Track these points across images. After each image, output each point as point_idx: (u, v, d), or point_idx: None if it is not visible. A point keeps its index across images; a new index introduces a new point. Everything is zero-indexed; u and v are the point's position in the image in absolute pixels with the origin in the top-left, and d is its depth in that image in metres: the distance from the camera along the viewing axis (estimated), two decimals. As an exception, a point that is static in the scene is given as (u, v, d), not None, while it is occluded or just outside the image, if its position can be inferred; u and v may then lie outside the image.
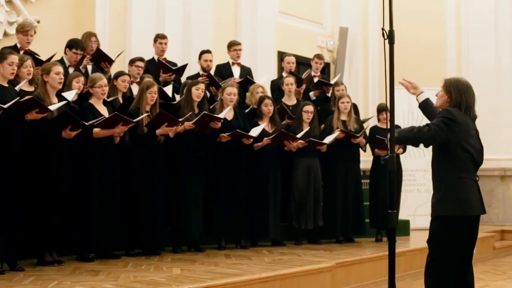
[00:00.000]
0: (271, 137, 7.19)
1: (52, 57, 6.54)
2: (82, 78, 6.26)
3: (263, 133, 7.17)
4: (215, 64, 8.24)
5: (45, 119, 5.37)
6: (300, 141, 7.33)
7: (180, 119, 6.38)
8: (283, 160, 7.51)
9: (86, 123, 5.64)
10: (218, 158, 7.02)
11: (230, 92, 7.12)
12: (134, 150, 6.33)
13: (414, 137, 4.25)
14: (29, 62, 5.74)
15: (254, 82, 7.98)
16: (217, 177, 7.01)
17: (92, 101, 6.06)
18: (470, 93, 4.24)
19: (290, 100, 8.11)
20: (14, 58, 5.36)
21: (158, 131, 6.29)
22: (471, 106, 4.24)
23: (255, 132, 7.06)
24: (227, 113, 7.02)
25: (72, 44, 6.83)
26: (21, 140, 5.36)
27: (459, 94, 4.21)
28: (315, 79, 8.56)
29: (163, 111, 6.32)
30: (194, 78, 7.56)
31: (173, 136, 6.49)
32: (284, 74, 8.72)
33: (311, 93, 8.48)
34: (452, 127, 4.11)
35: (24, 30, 6.52)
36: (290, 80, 8.05)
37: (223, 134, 6.90)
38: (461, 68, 11.40)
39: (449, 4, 11.69)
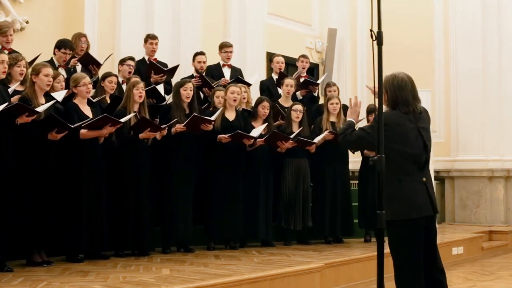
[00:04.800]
0: (264, 138, 7.20)
1: (37, 57, 6.51)
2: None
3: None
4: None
5: (32, 121, 5.34)
6: (289, 141, 7.35)
7: (163, 126, 6.37)
8: (274, 162, 7.52)
9: (72, 126, 5.61)
10: (219, 162, 7.04)
11: (234, 91, 7.12)
12: (121, 151, 6.33)
13: (354, 143, 4.22)
14: (23, 62, 5.70)
15: (245, 82, 7.99)
16: (217, 180, 7.03)
17: (76, 101, 6.02)
18: (407, 87, 4.05)
19: (286, 101, 8.11)
20: (4, 57, 5.33)
21: (141, 135, 6.30)
22: (409, 102, 4.05)
23: (255, 133, 7.07)
24: (229, 114, 7.03)
25: (60, 44, 6.81)
26: (11, 143, 5.33)
27: (394, 92, 4.05)
28: (301, 79, 8.59)
29: (145, 117, 6.30)
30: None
31: (160, 138, 6.50)
32: (273, 75, 8.75)
33: (298, 93, 8.49)
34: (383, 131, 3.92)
35: (2, 31, 6.40)
36: (291, 82, 8.05)
37: (224, 136, 6.91)
38: (449, 70, 11.48)
39: (437, 7, 11.75)
